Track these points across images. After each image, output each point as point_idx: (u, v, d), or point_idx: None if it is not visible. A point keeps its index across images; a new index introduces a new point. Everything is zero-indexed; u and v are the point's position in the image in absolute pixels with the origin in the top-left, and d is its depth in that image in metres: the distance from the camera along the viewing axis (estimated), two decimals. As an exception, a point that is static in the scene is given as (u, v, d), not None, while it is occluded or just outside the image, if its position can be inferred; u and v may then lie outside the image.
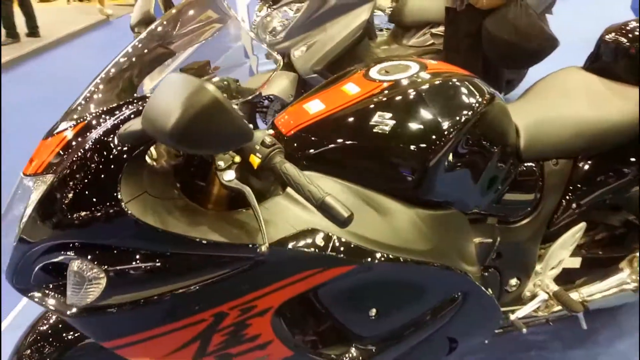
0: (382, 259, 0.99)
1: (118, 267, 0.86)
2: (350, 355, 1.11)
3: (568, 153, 1.31)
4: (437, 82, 1.10)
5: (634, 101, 1.31)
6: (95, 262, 0.85)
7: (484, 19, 2.06)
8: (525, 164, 1.26)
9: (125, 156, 0.82)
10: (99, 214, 0.81)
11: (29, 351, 1.04)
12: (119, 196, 0.82)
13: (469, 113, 1.06)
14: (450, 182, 1.08)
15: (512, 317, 1.39)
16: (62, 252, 0.86)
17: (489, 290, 1.21)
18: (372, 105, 1.05)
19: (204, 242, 0.85)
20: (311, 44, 2.70)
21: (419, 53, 2.95)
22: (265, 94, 2.74)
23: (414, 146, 1.02)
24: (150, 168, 0.90)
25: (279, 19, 2.78)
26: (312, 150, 1.03)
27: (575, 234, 1.39)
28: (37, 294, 0.92)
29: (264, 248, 0.84)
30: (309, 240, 0.92)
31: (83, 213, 0.82)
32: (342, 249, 0.95)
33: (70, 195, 0.82)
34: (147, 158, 0.88)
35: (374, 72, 1.14)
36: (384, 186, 1.03)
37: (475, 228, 1.21)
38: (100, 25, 7.64)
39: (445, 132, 1.03)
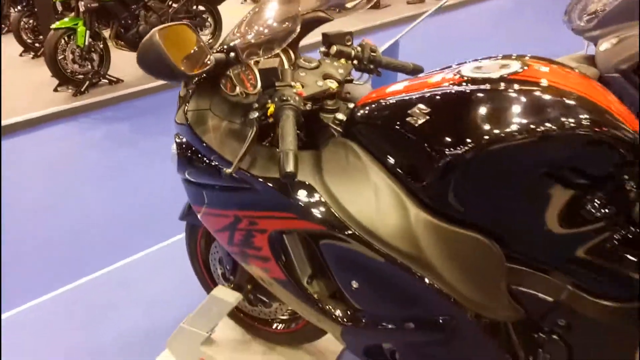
0: (348, 235, 1.01)
1: (181, 151, 1.25)
2: (338, 313, 1.17)
3: None
4: (517, 87, 0.94)
5: None
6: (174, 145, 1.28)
7: None
8: (642, 232, 0.91)
9: (198, 79, 1.14)
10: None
11: None
12: (188, 106, 1.16)
13: (520, 130, 0.88)
14: (470, 200, 0.95)
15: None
16: None
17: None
18: (424, 94, 1.01)
19: (228, 161, 1.10)
20: (624, 38, 2.21)
21: None
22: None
23: (439, 143, 0.95)
24: (223, 94, 1.16)
25: (608, 2, 2.37)
26: (361, 124, 1.08)
27: None
28: None
29: (228, 170, 1.03)
30: (292, 187, 1.05)
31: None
32: (317, 207, 1.03)
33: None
34: (221, 86, 1.18)
35: (467, 67, 1.06)
36: (406, 179, 1.02)
37: (525, 274, 1.00)
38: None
39: (484, 140, 0.90)
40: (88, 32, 4.57)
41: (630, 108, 2.63)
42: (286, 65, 1.24)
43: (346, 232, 1.03)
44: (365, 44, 1.33)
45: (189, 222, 1.61)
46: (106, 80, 4.92)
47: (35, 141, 4.03)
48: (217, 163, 1.15)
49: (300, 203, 1.05)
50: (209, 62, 1.01)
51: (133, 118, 4.33)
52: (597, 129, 0.89)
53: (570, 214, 0.93)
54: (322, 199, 1.04)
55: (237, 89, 1.18)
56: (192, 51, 1.00)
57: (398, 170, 1.03)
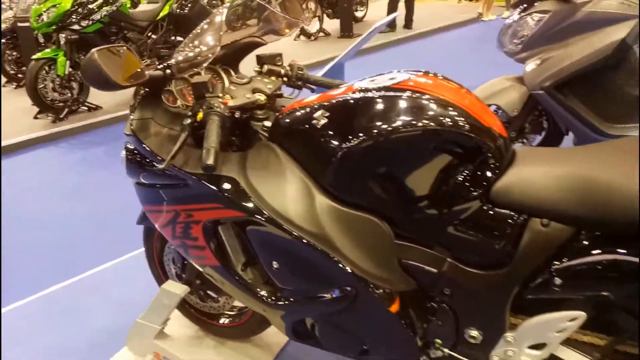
0: (265, 219, 1.20)
1: (130, 156, 1.43)
2: (268, 295, 1.34)
3: (562, 217, 1.05)
4: (396, 94, 1.16)
5: None
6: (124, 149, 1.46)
7: None
8: (501, 210, 1.11)
9: (142, 92, 1.35)
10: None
11: None
12: (133, 115, 1.36)
13: (396, 127, 1.09)
14: (362, 186, 1.15)
15: (464, 373, 1.25)
16: None
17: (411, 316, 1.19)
18: (327, 102, 1.22)
19: (162, 159, 1.27)
20: (546, 59, 2.47)
21: None
22: (489, 102, 2.72)
23: (335, 140, 1.15)
24: (165, 106, 1.35)
25: (531, 27, 2.63)
26: (281, 128, 1.27)
27: (563, 320, 1.08)
28: None
29: (161, 165, 1.21)
30: (218, 182, 1.23)
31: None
32: (239, 197, 1.22)
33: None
34: (163, 99, 1.37)
35: (365, 80, 1.27)
36: (313, 171, 1.22)
37: (412, 249, 1.19)
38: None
39: (368, 135, 1.10)
40: (68, 62, 4.78)
41: (559, 122, 2.88)
42: (226, 82, 1.45)
43: (264, 218, 1.21)
44: (293, 64, 1.54)
45: (146, 225, 1.77)
46: (85, 108, 5.12)
47: (15, 165, 4.17)
48: (156, 164, 1.34)
49: (225, 194, 1.24)
50: (143, 77, 1.21)
51: (110, 142, 4.51)
52: (457, 125, 1.10)
53: (442, 195, 1.13)
54: (244, 191, 1.23)
55: (179, 102, 1.37)
56: (128, 67, 1.19)
57: (307, 164, 1.23)
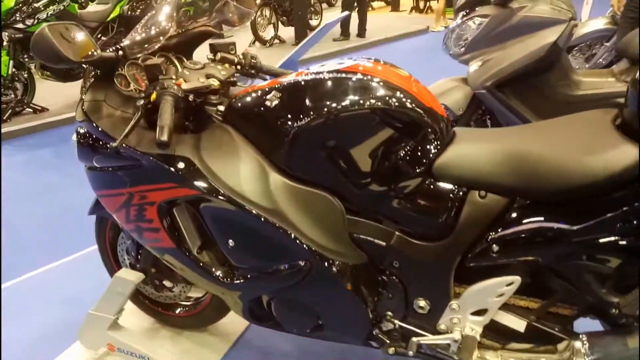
0: (221, 196, 1.23)
1: (82, 140, 1.42)
2: (223, 275, 1.36)
3: (497, 188, 1.15)
4: (342, 75, 1.22)
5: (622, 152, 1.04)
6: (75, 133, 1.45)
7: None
8: (442, 185, 1.20)
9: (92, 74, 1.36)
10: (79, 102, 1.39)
11: None
12: (83, 97, 1.36)
13: (344, 106, 1.16)
14: (313, 163, 1.21)
15: (414, 339, 1.33)
16: None
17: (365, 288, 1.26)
18: (279, 85, 1.28)
19: (115, 140, 1.26)
20: (487, 60, 2.64)
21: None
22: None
23: (287, 119, 1.20)
24: (118, 89, 1.35)
25: (472, 31, 2.79)
26: (235, 110, 1.31)
27: (501, 285, 1.18)
28: None
29: (114, 144, 1.22)
30: (172, 161, 1.26)
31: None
32: (193, 176, 1.24)
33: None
34: (116, 82, 1.38)
35: (316, 66, 1.34)
36: (267, 150, 1.27)
37: (362, 223, 1.26)
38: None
39: (318, 113, 1.17)
40: (12, 62, 4.60)
41: (500, 119, 3.03)
42: (179, 67, 1.47)
43: (219, 195, 1.25)
44: (246, 53, 1.59)
45: (98, 215, 1.76)
46: (30, 110, 4.92)
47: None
48: (110, 144, 1.34)
49: (180, 173, 1.26)
50: (94, 55, 1.22)
51: (57, 144, 4.36)
52: (402, 104, 1.18)
53: (388, 171, 1.21)
54: (199, 169, 1.26)
55: (132, 86, 1.39)
56: (81, 45, 1.20)
57: (261, 144, 1.28)
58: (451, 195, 1.19)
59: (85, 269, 2.36)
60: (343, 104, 1.17)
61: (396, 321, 1.34)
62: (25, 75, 4.83)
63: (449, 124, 1.27)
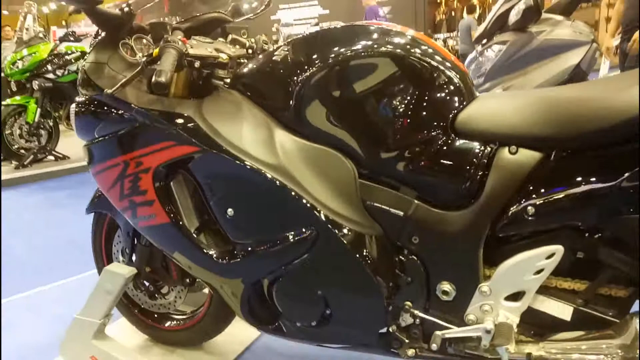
0: (221, 153, 1.12)
1: (81, 109, 1.34)
2: (220, 255, 1.22)
3: (530, 141, 1.01)
4: (355, 25, 1.15)
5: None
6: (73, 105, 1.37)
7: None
8: (465, 142, 1.06)
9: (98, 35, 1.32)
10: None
11: None
12: (87, 58, 1.32)
13: (357, 53, 1.07)
14: (323, 119, 1.10)
15: (438, 333, 1.12)
16: None
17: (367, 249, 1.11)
18: (288, 44, 1.21)
19: (112, 96, 1.22)
20: (507, 88, 2.58)
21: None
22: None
23: (297, 72, 1.11)
24: (122, 54, 1.31)
25: (491, 59, 2.76)
26: (242, 75, 1.24)
27: (540, 257, 1.00)
28: None
29: (109, 90, 1.15)
30: (171, 117, 1.17)
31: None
32: (192, 132, 1.15)
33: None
34: (122, 50, 1.33)
35: (326, 23, 1.28)
36: (275, 110, 1.17)
37: (377, 190, 1.11)
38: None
39: (331, 61, 1.08)
40: (39, 110, 4.75)
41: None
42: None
43: (220, 151, 1.14)
44: (258, 38, 1.55)
45: (96, 211, 1.64)
46: (52, 157, 5.00)
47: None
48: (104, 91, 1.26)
49: (178, 129, 1.17)
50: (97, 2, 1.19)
51: (74, 187, 4.35)
52: (422, 52, 1.09)
53: (405, 128, 1.08)
54: (199, 125, 1.17)
55: (138, 55, 1.33)
56: None
57: (269, 104, 1.18)
58: (477, 153, 1.05)
59: (82, 290, 2.20)
60: (356, 49, 1.09)
61: (416, 312, 1.15)
62: (51, 124, 4.96)
63: (472, 82, 1.16)
